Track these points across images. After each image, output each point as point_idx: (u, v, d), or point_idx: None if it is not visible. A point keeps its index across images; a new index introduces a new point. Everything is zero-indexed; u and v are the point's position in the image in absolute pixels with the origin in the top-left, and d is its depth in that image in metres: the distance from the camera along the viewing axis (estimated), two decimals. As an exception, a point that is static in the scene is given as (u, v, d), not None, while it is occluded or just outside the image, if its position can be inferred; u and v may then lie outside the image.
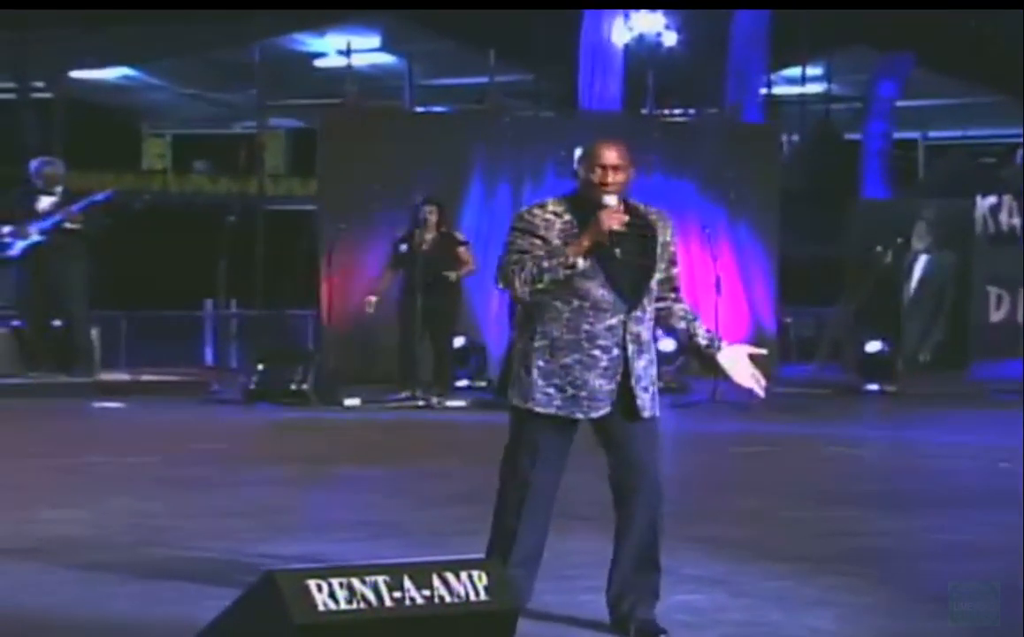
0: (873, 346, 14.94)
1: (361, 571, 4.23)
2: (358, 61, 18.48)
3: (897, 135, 21.07)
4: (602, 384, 5.02)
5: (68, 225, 12.90)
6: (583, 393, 5.01)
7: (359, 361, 13.94)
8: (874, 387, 14.42)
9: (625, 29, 17.01)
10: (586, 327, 5.01)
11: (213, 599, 4.96)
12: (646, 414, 5.07)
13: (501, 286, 5.07)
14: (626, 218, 5.04)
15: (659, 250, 5.13)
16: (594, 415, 5.04)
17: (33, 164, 13.36)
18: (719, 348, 5.23)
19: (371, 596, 4.17)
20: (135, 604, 5.33)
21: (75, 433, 10.68)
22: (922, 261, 16.72)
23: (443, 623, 4.27)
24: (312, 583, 4.09)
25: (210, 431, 10.78)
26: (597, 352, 5.01)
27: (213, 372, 14.42)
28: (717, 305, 13.16)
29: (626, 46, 16.99)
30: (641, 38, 17.44)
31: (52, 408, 11.87)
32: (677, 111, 17.22)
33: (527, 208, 5.11)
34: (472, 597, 4.31)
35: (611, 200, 5.03)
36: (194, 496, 7.82)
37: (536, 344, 5.03)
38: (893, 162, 20.66)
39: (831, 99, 21.46)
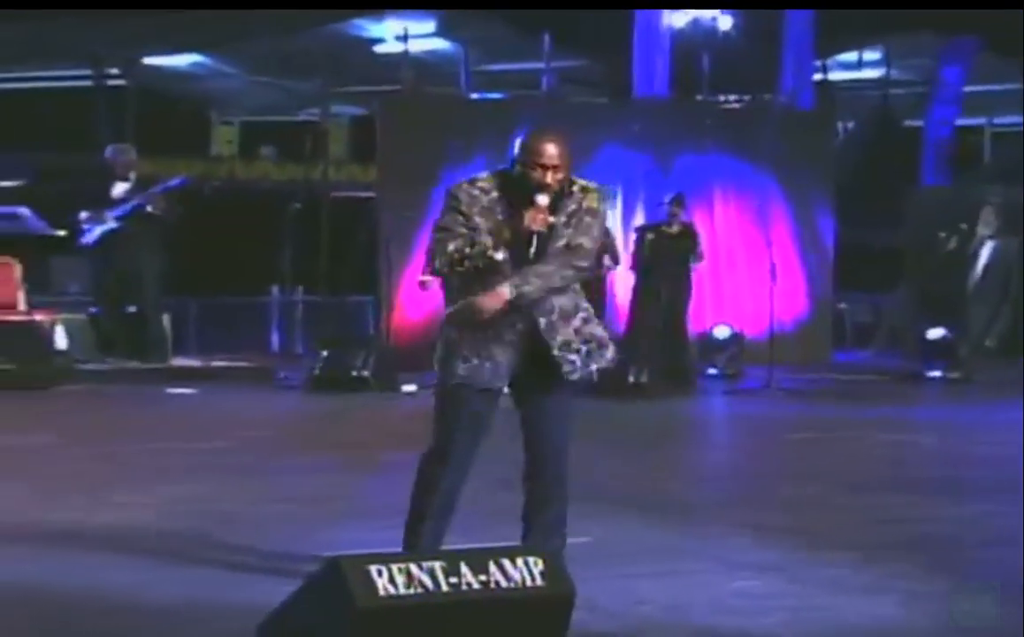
0: (936, 332, 14.83)
1: (419, 557, 4.31)
2: (415, 47, 18.54)
3: (961, 121, 20.82)
4: (505, 356, 5.19)
5: (148, 209, 13.03)
6: (487, 364, 5.19)
7: (417, 346, 14.00)
8: (936, 373, 14.31)
9: (679, 13, 16.95)
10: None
11: (277, 585, 5.06)
12: (573, 377, 5.25)
13: (429, 259, 5.28)
14: (551, 219, 5.15)
15: (575, 218, 5.22)
16: (495, 386, 5.21)
17: (107, 151, 13.52)
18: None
19: (428, 581, 4.24)
20: (202, 590, 5.44)
21: (148, 419, 10.85)
22: (988, 247, 16.58)
23: (499, 608, 4.33)
24: (373, 568, 4.18)
25: (275, 417, 10.92)
26: (503, 327, 5.17)
27: (279, 358, 14.55)
28: (772, 291, 13.12)
29: (680, 30, 16.94)
30: (696, 22, 17.37)
31: (126, 393, 12.05)
32: (732, 97, 17.15)
33: (458, 182, 5.27)
34: (528, 583, 4.37)
35: (543, 200, 5.15)
36: (259, 482, 7.93)
37: (451, 316, 5.25)
38: (956, 148, 20.42)
39: (889, 84, 21.26)
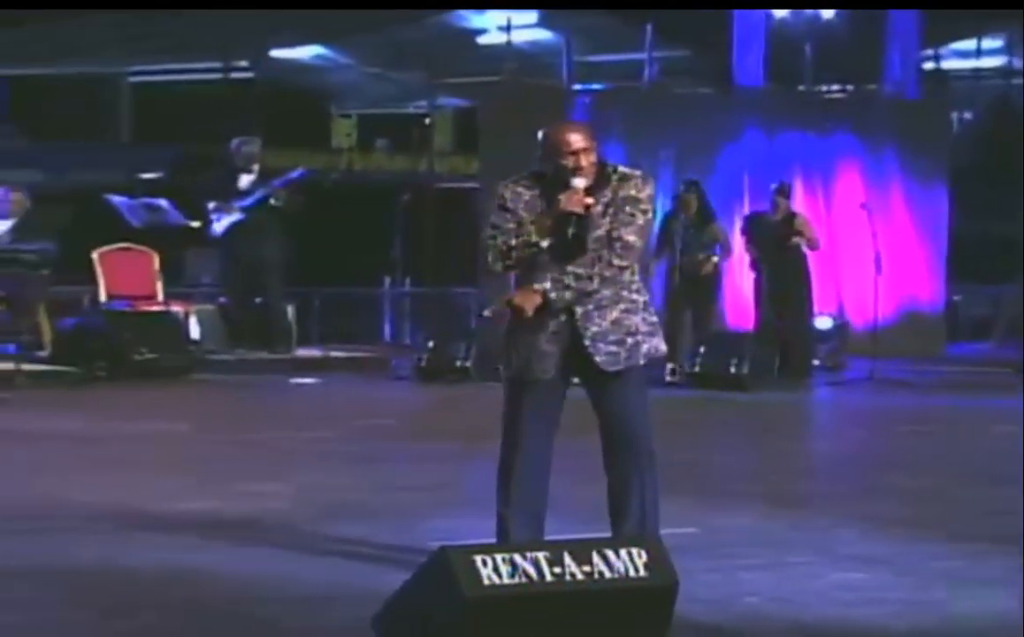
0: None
1: (523, 547, 4.33)
2: (517, 37, 18.56)
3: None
4: (549, 348, 5.21)
5: (272, 201, 13.22)
6: (533, 356, 5.24)
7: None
8: (1057, 366, 13.94)
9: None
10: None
11: (395, 573, 5.14)
12: (612, 368, 5.21)
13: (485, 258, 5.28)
14: (589, 201, 5.15)
15: (612, 207, 5.19)
16: (545, 377, 5.23)
17: (233, 143, 13.74)
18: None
19: (532, 571, 4.25)
20: (324, 576, 5.54)
21: (274, 408, 11.11)
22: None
23: (602, 598, 4.33)
24: (478, 558, 4.21)
25: (387, 407, 11.09)
26: (548, 318, 5.19)
27: (391, 348, 14.69)
28: (877, 282, 12.94)
29: (781, 19, 16.76)
30: (797, 11, 17.18)
31: (254, 383, 12.30)
32: (834, 87, 16.94)
33: (504, 181, 5.32)
34: (631, 573, 4.36)
35: (579, 182, 5.16)
36: (374, 471, 8.07)
37: (503, 309, 5.35)
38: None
39: (1010, 73, 20.79)
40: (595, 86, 16.76)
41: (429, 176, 17.50)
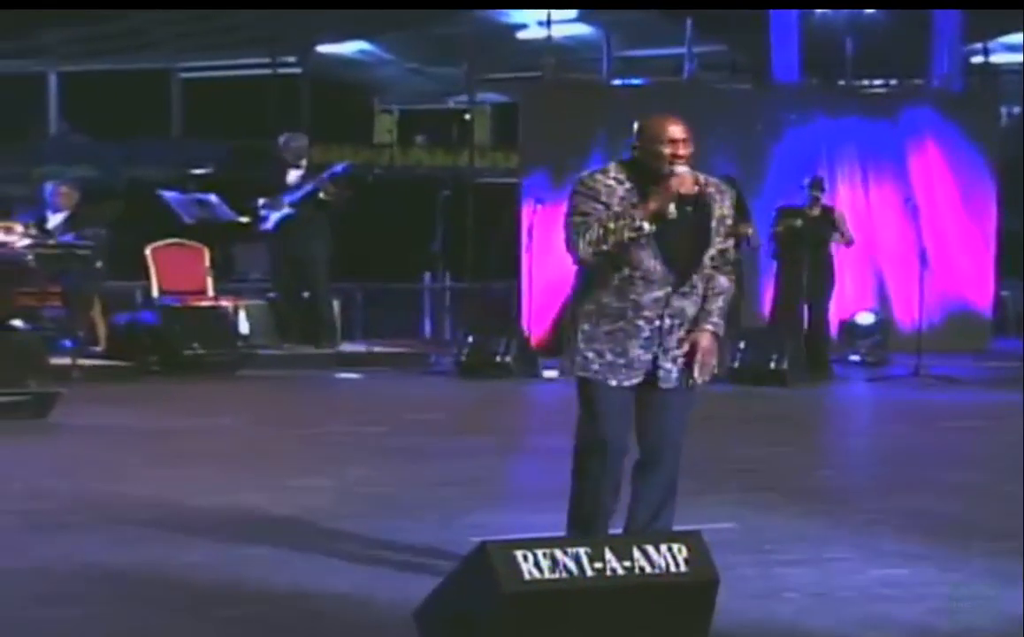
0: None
1: (564, 543, 4.33)
2: (557, 32, 18.55)
3: None
4: (642, 353, 5.08)
5: (321, 195, 13.28)
6: (621, 360, 5.09)
7: (557, 332, 14.03)
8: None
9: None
10: (633, 296, 5.08)
11: (433, 567, 5.23)
12: (666, 385, 5.13)
13: (568, 248, 5.11)
14: (700, 178, 5.09)
15: (714, 224, 5.15)
16: (627, 383, 5.10)
17: (281, 138, 13.79)
18: (699, 327, 5.16)
19: (573, 567, 4.25)
20: (368, 570, 5.58)
21: (320, 403, 11.16)
22: None
23: (643, 594, 4.33)
24: (519, 553, 4.21)
25: (428, 402, 11.12)
26: (641, 322, 5.08)
27: (431, 343, 14.73)
28: (922, 278, 12.85)
29: (823, 13, 16.67)
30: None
31: (300, 378, 12.35)
32: (877, 82, 16.81)
33: (589, 173, 5.19)
34: (672, 569, 4.35)
35: (684, 170, 5.09)
36: (416, 466, 8.11)
37: (584, 308, 5.14)
38: None
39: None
40: (635, 81, 16.71)
41: (469, 171, 17.50)
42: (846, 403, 12.08)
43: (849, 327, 14.38)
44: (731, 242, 5.24)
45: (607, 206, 5.06)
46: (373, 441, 9.00)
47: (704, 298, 5.17)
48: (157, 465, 7.94)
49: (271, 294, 13.71)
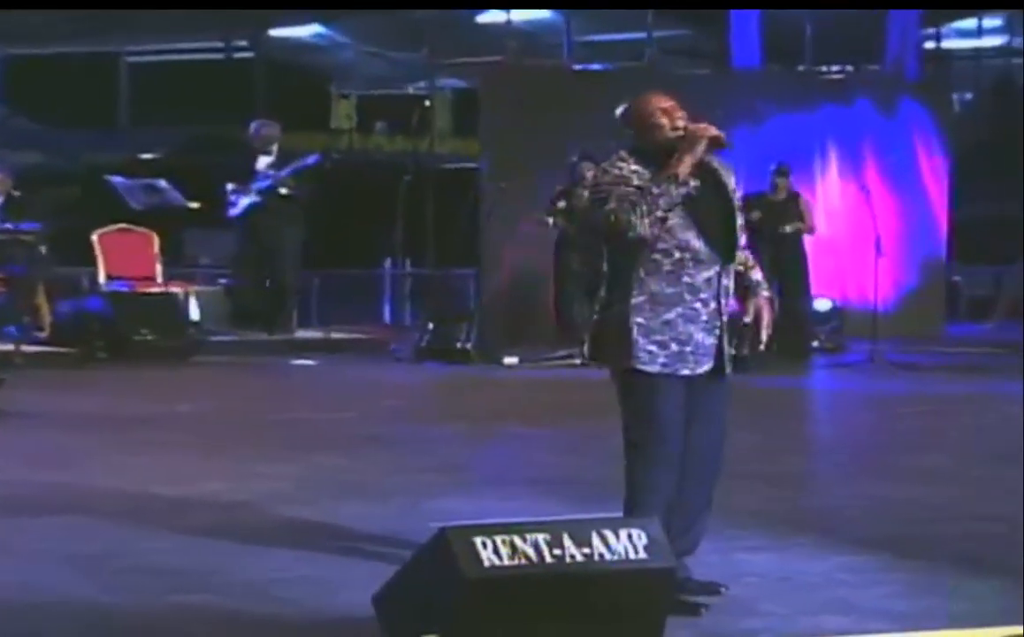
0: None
1: (523, 528, 4.30)
2: (517, 16, 18.50)
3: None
4: (704, 337, 4.91)
5: (281, 190, 13.20)
6: (688, 348, 4.89)
7: (518, 319, 14.02)
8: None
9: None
10: (687, 279, 4.89)
11: (396, 553, 5.18)
12: (728, 371, 5.02)
13: (620, 232, 4.84)
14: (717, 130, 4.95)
15: (732, 197, 5.05)
16: (699, 370, 4.91)
17: (252, 126, 13.69)
18: (756, 293, 5.11)
19: (532, 553, 4.24)
20: (329, 557, 5.56)
21: (277, 390, 11.09)
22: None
23: (602, 580, 4.31)
24: (479, 539, 4.20)
25: (388, 388, 11.07)
26: (698, 305, 4.90)
27: (392, 330, 14.68)
28: (877, 263, 12.90)
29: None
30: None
31: (254, 365, 12.28)
32: (834, 67, 16.86)
33: (609, 164, 4.97)
34: (631, 555, 4.34)
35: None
36: (378, 452, 8.07)
37: (634, 300, 4.89)
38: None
39: (1011, 52, 20.68)
40: (595, 66, 16.69)
41: (430, 157, 17.45)
42: (805, 389, 12.12)
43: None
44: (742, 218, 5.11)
45: (639, 188, 4.85)
46: (334, 427, 8.96)
47: (742, 271, 5.06)
48: (114, 452, 7.87)
49: (224, 279, 13.61)
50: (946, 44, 20.17)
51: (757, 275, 5.15)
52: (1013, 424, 9.59)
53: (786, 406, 10.91)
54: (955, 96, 19.30)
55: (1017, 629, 4.56)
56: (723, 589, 5.03)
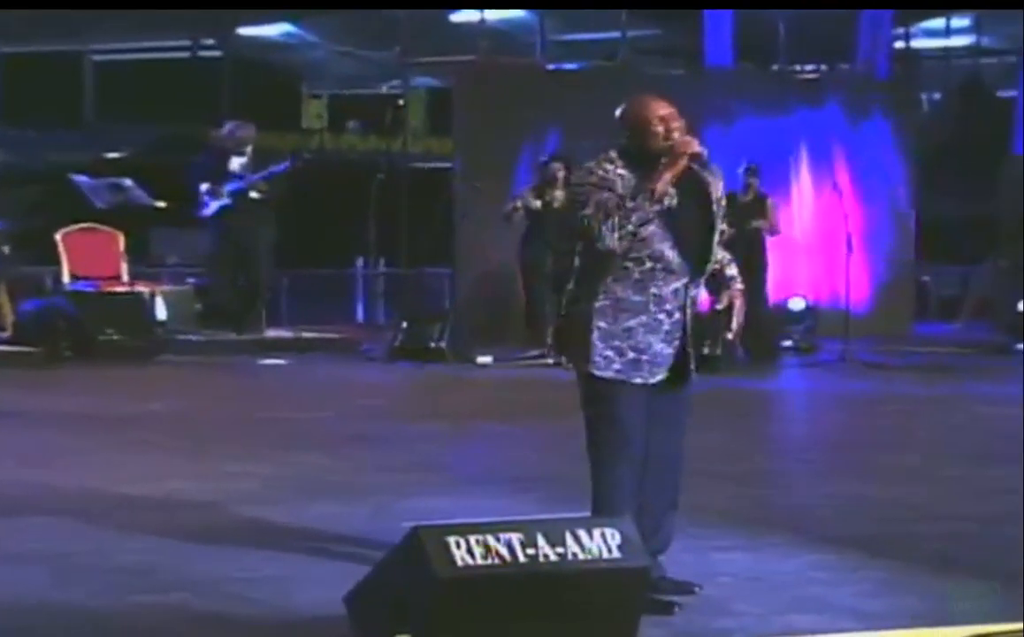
0: (1025, 304, 14.49)
1: (496, 528, 4.30)
2: (491, 15, 18.48)
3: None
4: (663, 348, 4.93)
5: (252, 194, 13.15)
6: (644, 357, 4.92)
7: (492, 319, 14.02)
8: (1025, 346, 13.99)
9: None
10: (654, 290, 4.92)
11: (367, 553, 5.18)
12: (693, 378, 5.03)
13: (590, 239, 4.87)
14: (701, 148, 4.94)
15: (715, 207, 5.04)
16: (653, 380, 4.93)
17: (227, 127, 13.61)
18: (730, 287, 5.13)
19: (505, 552, 4.23)
20: (299, 555, 5.54)
21: (246, 389, 11.04)
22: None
23: (575, 579, 4.31)
24: (452, 539, 4.19)
25: (361, 388, 11.03)
26: (662, 316, 4.93)
27: (364, 329, 14.63)
28: (848, 262, 12.95)
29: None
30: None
31: (223, 364, 12.23)
32: (808, 66, 16.91)
33: (595, 165, 4.96)
34: (604, 554, 4.34)
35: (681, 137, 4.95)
36: (353, 451, 8.04)
37: (598, 304, 4.93)
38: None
39: (980, 53, 20.76)
40: (569, 65, 16.70)
41: (403, 157, 17.41)
42: (780, 389, 12.15)
43: (781, 313, 14.46)
44: (724, 225, 5.11)
45: (620, 195, 4.85)
46: (305, 427, 8.93)
47: (718, 269, 5.08)
48: (80, 452, 7.82)
49: (191, 278, 13.56)
50: (915, 43, 20.23)
51: (732, 270, 5.18)
52: (982, 424, 9.68)
53: (759, 406, 10.94)
54: (924, 96, 19.37)
55: (987, 627, 4.58)
56: (697, 588, 5.04)
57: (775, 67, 16.49)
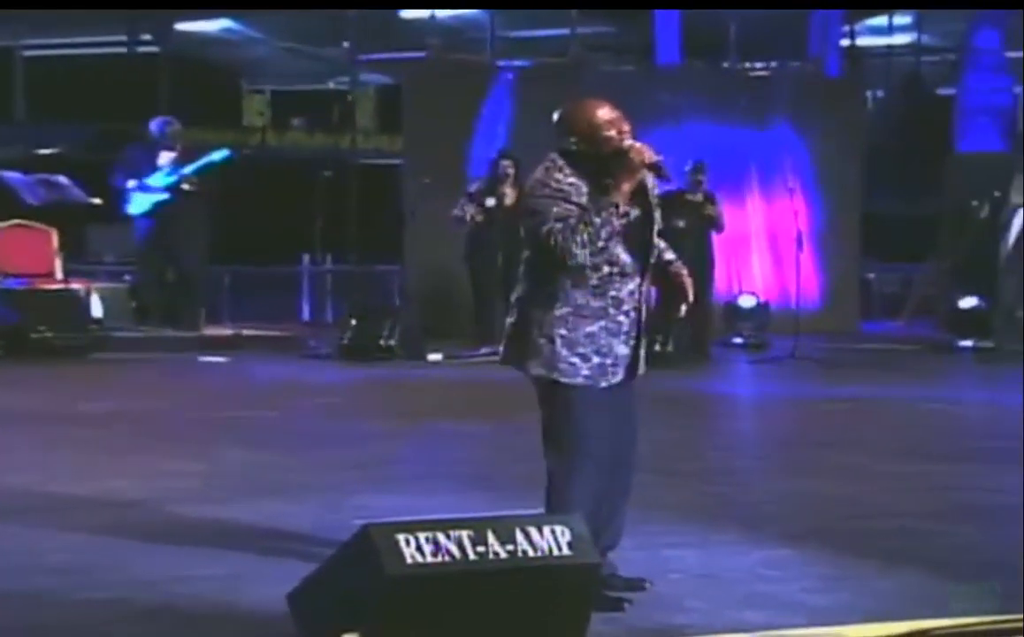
0: (968, 302, 14.65)
1: (446, 525, 4.27)
2: (441, 12, 18.43)
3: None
4: (622, 349, 4.93)
5: (184, 186, 13.04)
6: (608, 360, 4.91)
7: (442, 316, 13.98)
8: (968, 343, 14.14)
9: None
10: (613, 293, 4.90)
11: (313, 551, 5.15)
12: (642, 371, 5.04)
13: (559, 256, 4.79)
14: (656, 154, 4.90)
15: (654, 202, 5.03)
16: (615, 380, 4.94)
17: (155, 124, 13.46)
18: (674, 266, 5.14)
19: (455, 550, 4.20)
20: (241, 554, 5.48)
21: (184, 388, 10.90)
22: (1020, 215, 16.36)
23: (525, 577, 4.29)
24: (401, 537, 4.16)
25: (308, 386, 10.95)
26: (622, 318, 4.92)
27: (310, 327, 14.55)
28: (799, 260, 13.01)
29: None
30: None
31: (160, 362, 12.10)
32: (758, 64, 16.98)
33: (544, 173, 4.88)
34: (555, 551, 4.32)
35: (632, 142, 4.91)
36: (297, 450, 7.96)
37: (557, 312, 4.88)
38: (998, 115, 19.99)
39: (921, 50, 20.95)
40: (519, 62, 16.68)
41: (352, 153, 17.35)
42: (730, 386, 12.18)
43: (731, 310, 14.52)
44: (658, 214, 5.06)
45: (578, 205, 4.80)
46: (248, 425, 8.84)
47: (657, 256, 5.06)
48: (14, 450, 7.69)
49: (128, 276, 13.44)
50: (860, 41, 20.34)
51: (670, 255, 5.18)
52: (927, 420, 9.76)
53: (709, 404, 10.96)
54: (868, 93, 19.50)
55: (931, 622, 4.60)
56: (647, 585, 5.03)
57: (725, 65, 16.54)
